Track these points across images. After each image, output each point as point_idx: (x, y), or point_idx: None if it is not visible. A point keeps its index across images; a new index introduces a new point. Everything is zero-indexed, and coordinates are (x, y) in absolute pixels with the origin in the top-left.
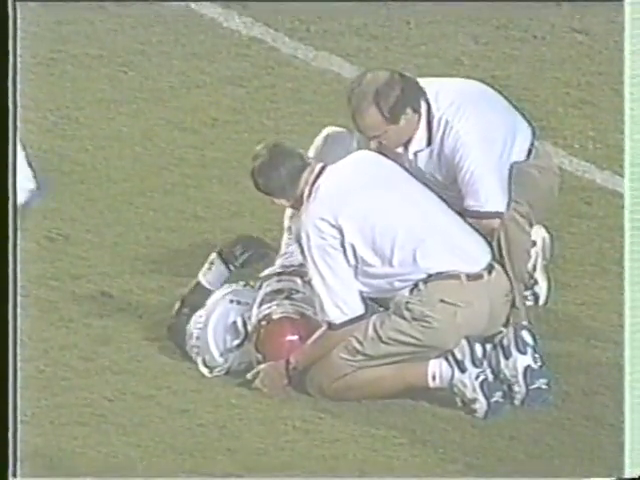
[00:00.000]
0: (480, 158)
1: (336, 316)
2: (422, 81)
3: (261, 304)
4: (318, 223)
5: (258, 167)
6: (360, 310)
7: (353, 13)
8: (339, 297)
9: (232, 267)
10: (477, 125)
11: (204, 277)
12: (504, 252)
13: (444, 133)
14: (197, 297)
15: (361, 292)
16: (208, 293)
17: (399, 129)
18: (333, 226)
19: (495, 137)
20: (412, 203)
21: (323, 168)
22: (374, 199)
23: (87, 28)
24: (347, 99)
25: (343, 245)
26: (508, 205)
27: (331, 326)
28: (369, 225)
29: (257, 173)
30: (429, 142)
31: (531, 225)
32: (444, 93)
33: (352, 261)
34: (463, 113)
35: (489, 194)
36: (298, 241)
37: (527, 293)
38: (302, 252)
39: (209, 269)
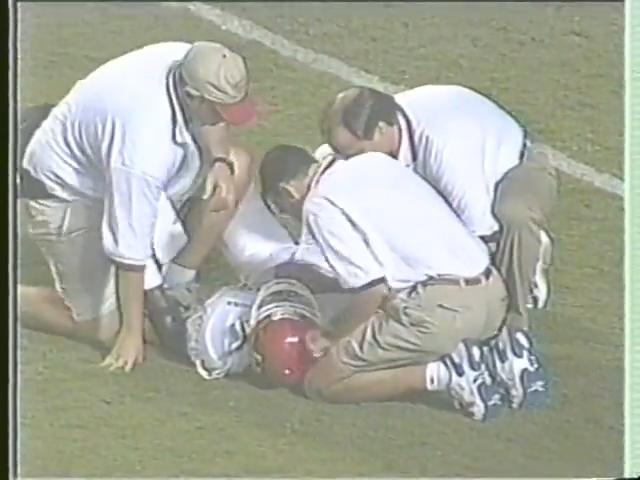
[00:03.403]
0: (467, 182)
1: (355, 281)
2: (398, 96)
3: (261, 306)
4: (323, 202)
5: (271, 156)
6: (378, 273)
7: (352, 15)
8: (353, 264)
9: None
10: (458, 142)
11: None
12: (514, 258)
13: (426, 150)
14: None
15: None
16: None
17: (375, 144)
18: (335, 206)
19: (477, 151)
20: (416, 203)
21: (333, 161)
22: (378, 197)
23: (86, 30)
24: (319, 122)
25: (350, 220)
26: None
27: (354, 291)
28: (371, 223)
29: (270, 159)
30: (414, 157)
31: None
32: (422, 108)
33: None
34: (443, 130)
35: (481, 218)
36: (307, 224)
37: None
38: (311, 232)
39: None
